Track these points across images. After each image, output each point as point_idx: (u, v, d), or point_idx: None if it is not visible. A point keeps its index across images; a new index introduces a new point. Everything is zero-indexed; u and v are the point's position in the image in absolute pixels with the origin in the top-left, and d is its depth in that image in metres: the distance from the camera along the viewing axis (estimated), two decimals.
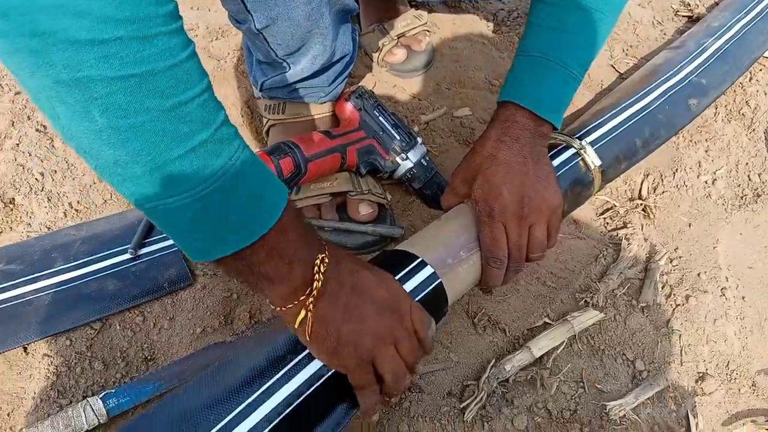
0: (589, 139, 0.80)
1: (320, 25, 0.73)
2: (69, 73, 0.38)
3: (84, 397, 0.68)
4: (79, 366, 0.71)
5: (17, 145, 0.91)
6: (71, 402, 0.68)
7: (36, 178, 0.87)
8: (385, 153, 0.85)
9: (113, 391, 0.68)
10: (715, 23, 1.10)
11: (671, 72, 0.96)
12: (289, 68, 0.78)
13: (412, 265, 0.62)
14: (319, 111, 0.87)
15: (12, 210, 0.84)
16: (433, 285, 0.62)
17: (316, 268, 0.52)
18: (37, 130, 0.93)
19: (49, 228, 0.83)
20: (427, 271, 0.62)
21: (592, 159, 0.77)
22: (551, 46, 0.69)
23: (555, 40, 0.70)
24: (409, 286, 0.60)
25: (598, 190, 0.81)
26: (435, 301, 0.62)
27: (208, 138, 0.44)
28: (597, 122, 0.83)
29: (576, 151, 0.77)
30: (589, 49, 0.71)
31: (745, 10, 1.13)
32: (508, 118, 0.69)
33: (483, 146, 0.70)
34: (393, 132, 0.85)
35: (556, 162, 0.76)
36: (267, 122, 0.89)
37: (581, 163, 0.77)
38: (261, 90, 0.85)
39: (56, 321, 0.73)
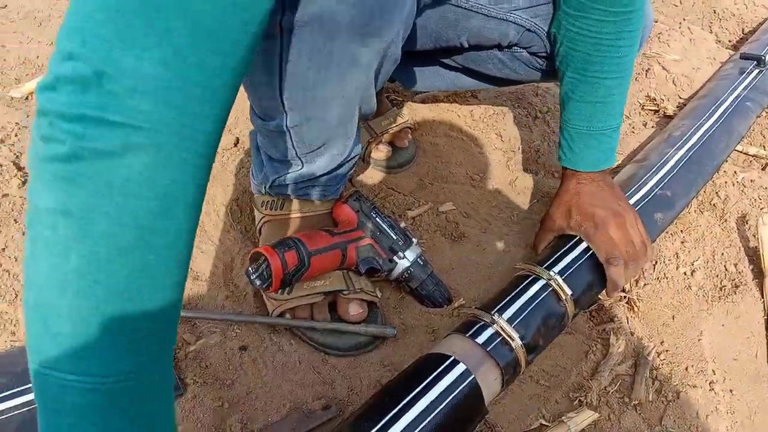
0: (558, 268, 0.83)
1: (348, 126, 0.76)
2: None
3: None
4: None
5: (2, 249, 0.90)
6: None
7: (22, 284, 0.85)
8: (383, 252, 0.86)
9: None
10: (676, 132, 1.15)
11: (636, 186, 1.01)
12: (303, 166, 0.80)
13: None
14: (316, 209, 0.89)
15: None
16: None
17: None
18: (23, 233, 0.93)
19: None
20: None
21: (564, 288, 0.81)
22: (592, 119, 0.89)
23: (594, 112, 0.89)
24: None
25: (573, 319, 0.84)
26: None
27: None
28: (562, 250, 0.87)
29: (546, 282, 0.81)
30: (620, 106, 0.90)
31: (704, 117, 1.19)
32: (577, 175, 0.93)
33: (566, 191, 0.93)
34: (390, 232, 0.87)
35: (527, 295, 0.79)
36: (262, 218, 0.90)
37: (553, 294, 0.81)
38: (270, 187, 0.86)
39: None
